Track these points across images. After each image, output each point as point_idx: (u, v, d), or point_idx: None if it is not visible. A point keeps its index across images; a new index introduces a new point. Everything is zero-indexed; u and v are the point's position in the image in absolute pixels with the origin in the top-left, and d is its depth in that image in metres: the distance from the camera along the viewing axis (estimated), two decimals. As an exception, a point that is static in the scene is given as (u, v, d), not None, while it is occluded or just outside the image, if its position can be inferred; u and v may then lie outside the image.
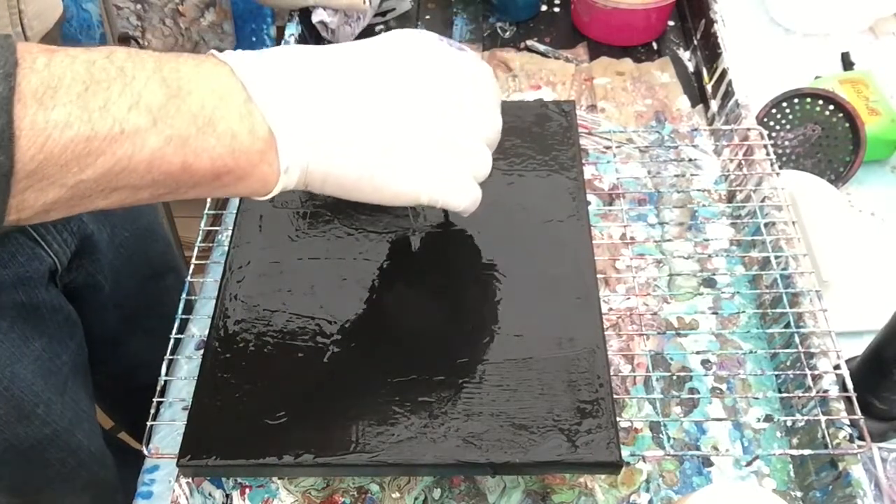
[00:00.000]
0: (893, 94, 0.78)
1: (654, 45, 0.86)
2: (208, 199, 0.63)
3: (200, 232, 0.62)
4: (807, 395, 0.53)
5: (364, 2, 0.80)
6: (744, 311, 0.61)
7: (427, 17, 0.91)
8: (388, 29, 0.90)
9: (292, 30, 0.82)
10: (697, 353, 0.59)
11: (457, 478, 0.54)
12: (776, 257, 0.60)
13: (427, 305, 0.55)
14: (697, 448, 0.55)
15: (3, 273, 0.65)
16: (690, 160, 0.72)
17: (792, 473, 0.54)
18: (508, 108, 0.65)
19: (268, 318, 0.53)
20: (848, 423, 0.51)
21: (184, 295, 0.59)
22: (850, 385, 0.52)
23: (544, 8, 0.91)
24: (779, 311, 0.58)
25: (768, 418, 0.56)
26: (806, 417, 0.53)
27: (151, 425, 0.53)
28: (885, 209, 0.73)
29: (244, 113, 0.38)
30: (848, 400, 0.51)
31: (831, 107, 0.75)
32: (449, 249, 0.56)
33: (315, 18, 0.81)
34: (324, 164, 0.41)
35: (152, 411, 0.53)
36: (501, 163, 0.59)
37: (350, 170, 0.42)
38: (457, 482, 0.54)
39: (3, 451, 0.70)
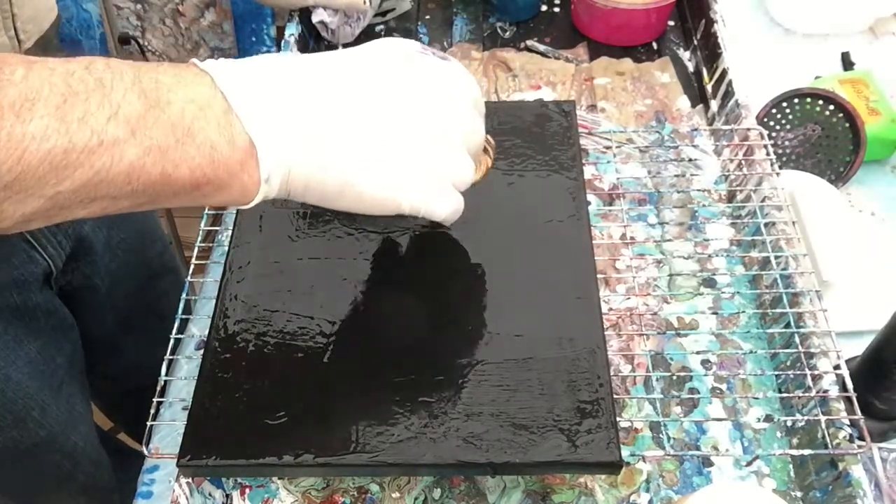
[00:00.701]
0: (893, 94, 0.78)
1: (654, 45, 0.86)
2: (208, 199, 0.63)
3: (200, 232, 0.62)
4: (807, 395, 0.53)
5: (364, 2, 0.80)
6: (744, 311, 0.61)
7: (427, 17, 0.91)
8: (388, 29, 0.90)
9: (292, 30, 0.82)
10: (697, 353, 0.59)
11: (457, 478, 0.54)
12: (776, 257, 0.60)
13: (427, 305, 0.55)
14: (697, 448, 0.55)
15: None
16: (690, 160, 0.72)
17: (792, 473, 0.54)
18: (508, 108, 0.66)
19: (268, 318, 0.53)
20: (848, 423, 0.51)
21: (184, 295, 0.59)
22: (850, 385, 0.52)
23: (544, 8, 0.91)
24: (779, 311, 0.58)
25: (768, 418, 0.56)
26: (806, 417, 0.53)
27: (151, 425, 0.53)
28: (885, 209, 0.73)
29: (224, 123, 0.38)
30: (848, 400, 0.51)
31: (831, 107, 0.75)
32: (449, 249, 0.56)
33: (315, 18, 0.81)
34: (305, 173, 0.41)
35: (152, 411, 0.53)
36: (501, 163, 0.59)
37: (331, 179, 0.42)
38: (457, 482, 0.54)
39: (-2, 454, 0.70)
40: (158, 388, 0.54)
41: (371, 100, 0.42)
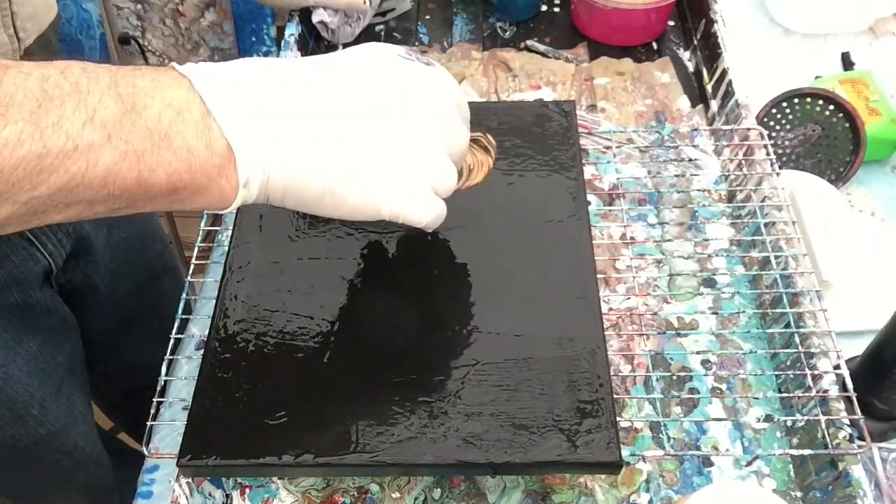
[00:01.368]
0: (893, 94, 0.78)
1: (654, 45, 0.86)
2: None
3: (200, 232, 0.62)
4: (807, 395, 0.53)
5: (364, 2, 0.80)
6: (744, 311, 0.61)
7: (427, 17, 0.91)
8: (388, 29, 0.90)
9: (292, 30, 0.82)
10: (697, 353, 0.59)
11: (457, 478, 0.54)
12: (776, 257, 0.60)
13: (427, 305, 0.55)
14: (697, 448, 0.55)
15: None
16: (690, 160, 0.72)
17: (792, 473, 0.54)
18: (508, 108, 0.66)
19: (268, 318, 0.53)
20: (848, 423, 0.51)
21: (184, 295, 0.59)
22: (850, 385, 0.52)
23: (544, 8, 0.91)
24: (779, 311, 0.58)
25: (768, 418, 0.56)
26: (806, 417, 0.53)
27: (151, 425, 0.53)
28: (885, 209, 0.73)
29: (202, 128, 0.38)
30: (848, 400, 0.51)
31: (831, 107, 0.75)
32: (449, 249, 0.56)
33: (315, 18, 0.81)
34: (284, 178, 0.41)
35: (152, 411, 0.53)
36: (501, 163, 0.59)
37: (310, 184, 0.42)
38: (457, 482, 0.54)
39: (-2, 453, 0.70)
40: (158, 388, 0.54)
41: (351, 105, 0.42)
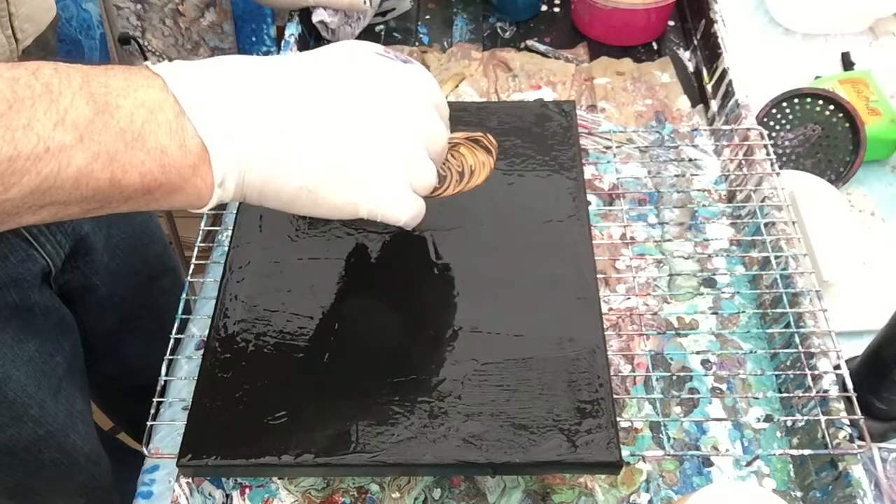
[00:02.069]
0: (893, 94, 0.78)
1: (654, 45, 0.86)
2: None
3: (200, 232, 0.62)
4: (807, 395, 0.53)
5: (364, 2, 0.80)
6: (744, 311, 0.61)
7: (427, 17, 0.91)
8: (388, 29, 0.90)
9: (292, 30, 0.82)
10: (697, 353, 0.59)
11: (457, 478, 0.54)
12: (776, 257, 0.60)
13: (427, 305, 0.55)
14: (697, 448, 0.55)
15: None
16: (690, 160, 0.72)
17: (792, 473, 0.54)
18: (508, 108, 0.66)
19: (268, 318, 0.53)
20: (848, 423, 0.51)
21: (184, 295, 0.59)
22: (850, 385, 0.52)
23: (544, 8, 0.91)
24: (779, 311, 0.58)
25: (768, 418, 0.56)
26: (806, 417, 0.53)
27: (151, 425, 0.53)
28: (885, 209, 0.73)
29: (175, 127, 0.38)
30: (848, 400, 0.51)
31: (831, 107, 0.75)
32: (449, 249, 0.56)
33: (315, 18, 0.81)
34: (259, 177, 0.41)
35: (152, 411, 0.53)
36: (501, 163, 0.59)
37: (287, 183, 0.41)
38: (457, 482, 0.54)
39: (-4, 453, 0.70)
40: (158, 388, 0.54)
41: (328, 103, 0.42)
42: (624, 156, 0.73)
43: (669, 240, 0.66)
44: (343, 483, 0.54)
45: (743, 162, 0.68)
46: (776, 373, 0.58)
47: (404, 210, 0.44)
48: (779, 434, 0.56)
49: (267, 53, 1.32)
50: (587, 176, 0.65)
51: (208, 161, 0.39)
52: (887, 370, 0.54)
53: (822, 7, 0.87)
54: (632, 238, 0.66)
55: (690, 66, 0.83)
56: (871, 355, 0.55)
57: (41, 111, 0.35)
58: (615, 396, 0.49)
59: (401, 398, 0.49)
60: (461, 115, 0.64)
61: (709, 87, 0.78)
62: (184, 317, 0.58)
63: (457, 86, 0.82)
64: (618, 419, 0.48)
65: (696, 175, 0.70)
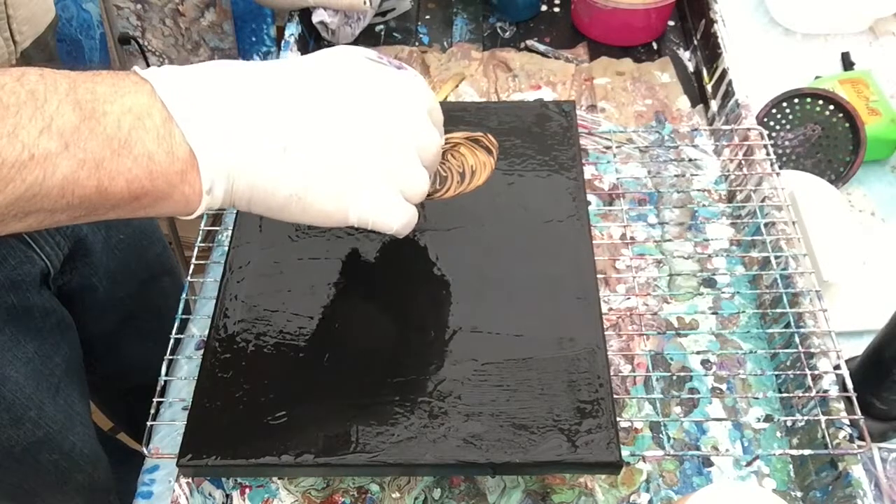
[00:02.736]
0: (893, 94, 0.78)
1: (654, 45, 0.86)
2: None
3: (200, 232, 0.62)
4: (807, 395, 0.53)
5: (364, 2, 0.80)
6: (744, 311, 0.61)
7: (427, 17, 0.91)
8: (388, 29, 0.90)
9: (292, 30, 0.82)
10: (697, 353, 0.59)
11: (457, 478, 0.54)
12: (776, 257, 0.60)
13: (427, 305, 0.55)
14: (697, 448, 0.55)
15: None
16: (690, 160, 0.72)
17: (792, 473, 0.54)
18: (508, 109, 0.66)
19: (268, 318, 0.53)
20: (848, 423, 0.51)
21: (183, 295, 0.59)
22: (850, 385, 0.52)
23: (544, 8, 0.91)
24: (779, 311, 0.58)
25: (768, 418, 0.56)
26: (806, 417, 0.53)
27: (151, 425, 0.53)
28: (885, 209, 0.73)
29: (163, 133, 0.38)
30: (848, 400, 0.51)
31: (831, 107, 0.75)
32: (449, 249, 0.56)
33: (315, 19, 0.81)
34: (248, 184, 0.40)
35: (152, 411, 0.53)
36: (501, 163, 0.59)
37: (276, 190, 0.41)
38: (457, 482, 0.54)
39: (-5, 455, 0.70)
40: (158, 388, 0.54)
41: (318, 109, 0.41)
42: (624, 156, 0.73)
43: (669, 240, 0.66)
44: (343, 483, 0.54)
45: (743, 162, 0.68)
46: (776, 373, 0.58)
47: (396, 218, 0.44)
48: (779, 434, 0.56)
49: (267, 53, 1.32)
50: (587, 176, 0.65)
51: (196, 168, 0.39)
52: (887, 370, 0.54)
53: (822, 7, 0.87)
54: (632, 238, 0.66)
55: (690, 66, 0.83)
56: (871, 355, 0.55)
57: (26, 118, 0.34)
58: (615, 396, 0.49)
59: (401, 398, 0.49)
60: (461, 115, 0.64)
61: (709, 87, 0.78)
62: (184, 317, 0.58)
63: (457, 86, 0.82)
64: (618, 419, 0.48)
65: (696, 175, 0.70)
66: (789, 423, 0.56)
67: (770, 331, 0.59)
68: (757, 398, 0.57)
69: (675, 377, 0.58)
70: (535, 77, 0.82)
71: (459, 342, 0.52)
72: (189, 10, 1.29)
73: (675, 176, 0.69)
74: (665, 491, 0.54)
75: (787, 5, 0.89)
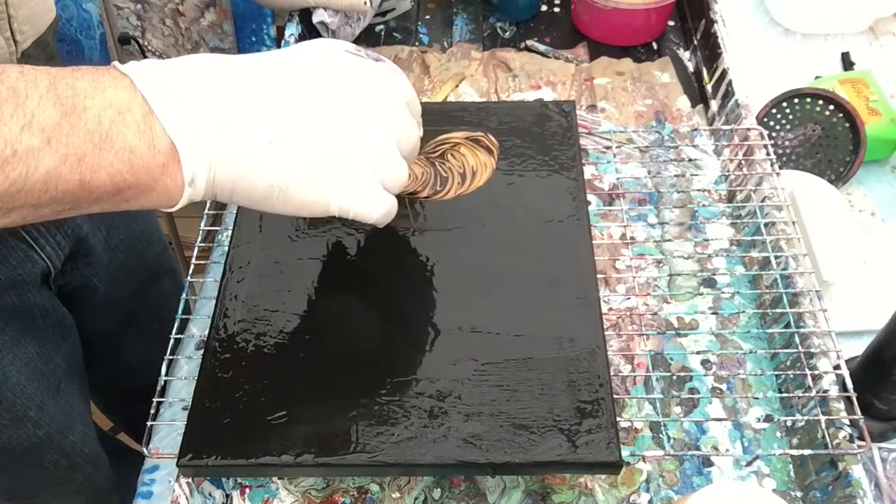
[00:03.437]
0: (893, 94, 0.78)
1: (654, 45, 0.86)
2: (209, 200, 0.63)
3: (200, 232, 0.62)
4: (807, 395, 0.53)
5: (364, 2, 0.80)
6: (744, 311, 0.61)
7: (427, 17, 0.91)
8: (388, 29, 0.90)
9: (292, 30, 0.82)
10: (697, 353, 0.59)
11: (457, 478, 0.54)
12: (776, 257, 0.60)
13: (427, 305, 0.55)
14: (697, 448, 0.55)
15: None
16: (690, 160, 0.72)
17: (792, 473, 0.54)
18: (508, 108, 0.66)
19: (268, 318, 0.53)
20: (848, 423, 0.51)
21: (183, 295, 0.59)
22: (850, 385, 0.52)
23: (544, 8, 0.91)
24: (779, 311, 0.58)
25: (768, 418, 0.56)
26: (806, 417, 0.53)
27: (151, 425, 0.53)
28: (885, 209, 0.73)
29: (143, 127, 0.38)
30: (848, 400, 0.51)
31: (831, 107, 0.75)
32: (449, 249, 0.56)
33: (315, 19, 0.81)
34: (230, 175, 0.41)
35: (152, 411, 0.53)
36: (501, 163, 0.59)
37: (257, 180, 0.41)
38: (457, 482, 0.54)
39: (-4, 454, 0.70)
40: (158, 388, 0.54)
41: (297, 100, 0.42)
42: (624, 156, 0.73)
43: (669, 240, 0.66)
44: (343, 483, 0.54)
45: (743, 162, 0.68)
46: (776, 373, 0.58)
47: (375, 208, 0.45)
48: (779, 434, 0.56)
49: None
50: (587, 176, 0.65)
51: (178, 160, 0.39)
52: (887, 370, 0.54)
53: (822, 7, 0.87)
54: (632, 238, 0.66)
55: (690, 66, 0.83)
56: (871, 355, 0.55)
57: (7, 115, 0.35)
58: (615, 396, 0.49)
59: (401, 398, 0.49)
60: (461, 115, 0.64)
61: (709, 87, 0.78)
62: (184, 317, 0.58)
63: (457, 86, 0.82)
64: (618, 419, 0.48)
65: (696, 175, 0.70)
66: (789, 423, 0.56)
67: (770, 331, 0.59)
68: (757, 398, 0.57)
69: (675, 377, 0.58)
70: (535, 77, 0.82)
71: (459, 342, 0.52)
72: (189, 10, 1.28)
73: (675, 176, 0.69)
74: (665, 491, 0.54)
75: (787, 5, 0.89)
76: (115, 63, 0.40)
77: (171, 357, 0.55)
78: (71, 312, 0.76)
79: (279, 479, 0.55)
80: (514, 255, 0.56)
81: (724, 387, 0.58)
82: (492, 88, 0.82)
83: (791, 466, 0.55)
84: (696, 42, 0.84)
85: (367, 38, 0.88)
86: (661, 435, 0.56)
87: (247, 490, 0.55)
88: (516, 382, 0.49)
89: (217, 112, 0.40)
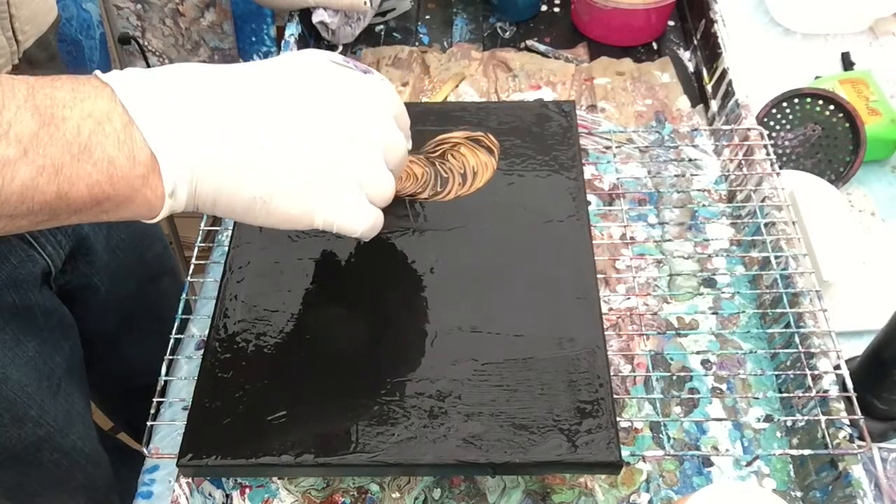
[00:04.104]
0: (893, 94, 0.78)
1: (654, 45, 0.86)
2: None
3: (200, 232, 0.62)
4: (807, 395, 0.53)
5: (364, 2, 0.80)
6: (744, 311, 0.61)
7: (427, 17, 0.91)
8: (388, 29, 0.90)
9: (292, 30, 0.82)
10: (697, 353, 0.59)
11: (457, 478, 0.54)
12: (776, 257, 0.60)
13: (427, 305, 0.55)
14: (697, 448, 0.55)
15: None
16: (690, 160, 0.72)
17: (792, 473, 0.54)
18: (508, 109, 0.66)
19: (268, 318, 0.53)
20: (848, 423, 0.51)
21: (183, 295, 0.59)
22: (850, 385, 0.52)
23: (544, 8, 0.91)
24: (779, 311, 0.58)
25: (768, 418, 0.56)
26: (806, 417, 0.53)
27: (151, 425, 0.53)
28: (885, 209, 0.73)
29: (123, 138, 0.38)
30: (848, 400, 0.51)
31: (831, 107, 0.75)
32: (449, 249, 0.56)
33: (315, 19, 0.81)
34: (212, 187, 0.40)
35: (152, 411, 0.53)
36: (501, 163, 0.59)
37: (239, 192, 0.41)
38: (457, 482, 0.54)
39: (-4, 454, 0.70)
40: (158, 388, 0.54)
41: (281, 111, 0.41)
42: (624, 156, 0.73)
43: (669, 240, 0.66)
44: (343, 483, 0.54)
45: (743, 162, 0.68)
46: (776, 373, 0.58)
47: (360, 221, 0.44)
48: (779, 434, 0.56)
49: (267, 53, 1.32)
50: (587, 176, 0.65)
51: (158, 171, 0.38)
52: (887, 370, 0.54)
53: (822, 7, 0.87)
54: (632, 238, 0.66)
55: (690, 66, 0.83)
56: (871, 355, 0.55)
57: None
58: (615, 396, 0.49)
59: (401, 398, 0.49)
60: (461, 115, 0.64)
61: (709, 87, 0.78)
62: (184, 317, 0.58)
63: (457, 86, 0.82)
64: (618, 419, 0.48)
65: (696, 175, 0.70)
66: (789, 423, 0.56)
67: (770, 331, 0.59)
68: (757, 398, 0.57)
69: (675, 377, 0.58)
70: (535, 77, 0.82)
71: (459, 342, 0.52)
72: (189, 10, 1.29)
73: (675, 176, 0.69)
74: (665, 491, 0.54)
75: (787, 5, 0.89)
76: (97, 72, 0.39)
77: (171, 357, 0.55)
78: (71, 312, 0.76)
79: (279, 479, 0.55)
80: (514, 255, 0.56)
81: (724, 387, 0.58)
82: (492, 88, 0.82)
83: (791, 466, 0.55)
84: (696, 42, 0.84)
85: (367, 38, 0.88)
86: (661, 435, 0.56)
87: (247, 490, 0.55)
88: (516, 382, 0.49)
89: (199, 122, 0.39)
